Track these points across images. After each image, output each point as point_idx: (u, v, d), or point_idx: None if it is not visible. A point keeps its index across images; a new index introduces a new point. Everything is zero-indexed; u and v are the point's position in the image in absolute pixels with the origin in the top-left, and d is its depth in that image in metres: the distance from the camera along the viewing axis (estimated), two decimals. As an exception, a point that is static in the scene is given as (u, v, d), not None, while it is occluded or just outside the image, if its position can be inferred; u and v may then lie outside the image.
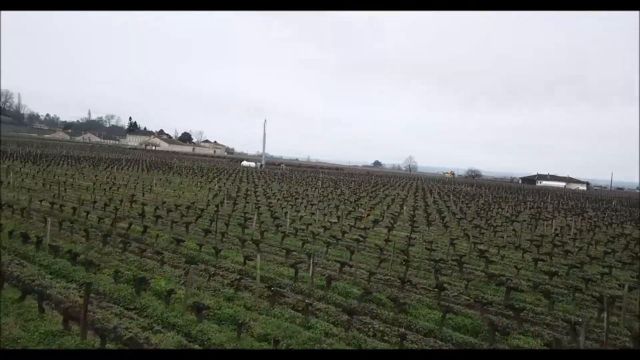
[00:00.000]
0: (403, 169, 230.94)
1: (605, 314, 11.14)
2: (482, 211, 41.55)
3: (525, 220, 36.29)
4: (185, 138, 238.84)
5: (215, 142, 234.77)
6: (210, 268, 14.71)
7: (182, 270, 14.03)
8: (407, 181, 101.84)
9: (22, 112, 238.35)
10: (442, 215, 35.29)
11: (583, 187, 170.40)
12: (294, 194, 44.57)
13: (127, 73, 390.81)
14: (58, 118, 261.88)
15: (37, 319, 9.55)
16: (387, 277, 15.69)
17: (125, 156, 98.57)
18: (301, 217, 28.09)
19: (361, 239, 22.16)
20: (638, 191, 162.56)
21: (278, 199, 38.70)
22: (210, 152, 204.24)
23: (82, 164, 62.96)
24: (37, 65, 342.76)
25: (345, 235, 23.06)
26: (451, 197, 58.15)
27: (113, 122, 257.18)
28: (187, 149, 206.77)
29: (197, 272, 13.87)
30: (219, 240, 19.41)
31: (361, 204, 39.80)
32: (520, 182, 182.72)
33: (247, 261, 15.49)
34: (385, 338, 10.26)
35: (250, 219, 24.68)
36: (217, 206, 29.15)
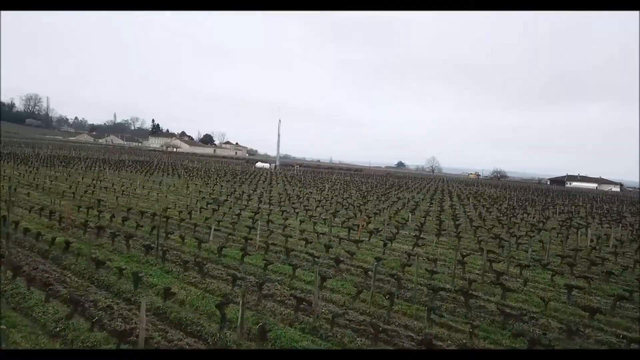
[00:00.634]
0: (426, 169, 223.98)
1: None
2: (505, 217, 36.48)
3: (554, 229, 31.28)
4: (207, 140, 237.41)
5: (236, 143, 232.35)
6: (110, 308, 10.47)
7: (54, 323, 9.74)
8: (427, 182, 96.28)
9: (50, 115, 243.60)
10: (457, 222, 30.51)
11: (616, 189, 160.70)
12: (294, 197, 40.40)
13: (153, 76, 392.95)
14: (86, 121, 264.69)
15: None
16: (361, 319, 11.35)
17: (137, 158, 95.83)
18: (286, 226, 23.91)
19: (347, 256, 17.91)
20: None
21: (271, 204, 34.61)
22: (232, 153, 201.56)
23: (82, 165, 60.28)
24: (66, 69, 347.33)
25: (330, 250, 18.83)
26: (471, 201, 52.96)
27: (138, 124, 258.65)
28: (208, 150, 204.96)
29: (77, 319, 9.79)
30: (160, 259, 15.39)
31: (366, 209, 35.36)
32: (548, 183, 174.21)
33: (168, 296, 11.40)
34: None
35: (217, 229, 20.68)
36: (179, 213, 25.27)
